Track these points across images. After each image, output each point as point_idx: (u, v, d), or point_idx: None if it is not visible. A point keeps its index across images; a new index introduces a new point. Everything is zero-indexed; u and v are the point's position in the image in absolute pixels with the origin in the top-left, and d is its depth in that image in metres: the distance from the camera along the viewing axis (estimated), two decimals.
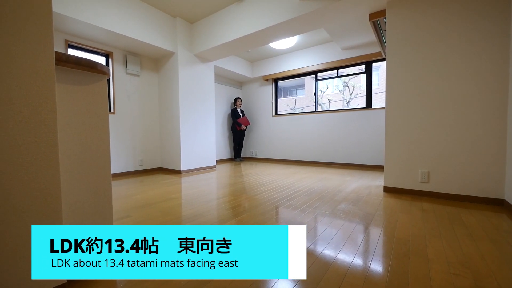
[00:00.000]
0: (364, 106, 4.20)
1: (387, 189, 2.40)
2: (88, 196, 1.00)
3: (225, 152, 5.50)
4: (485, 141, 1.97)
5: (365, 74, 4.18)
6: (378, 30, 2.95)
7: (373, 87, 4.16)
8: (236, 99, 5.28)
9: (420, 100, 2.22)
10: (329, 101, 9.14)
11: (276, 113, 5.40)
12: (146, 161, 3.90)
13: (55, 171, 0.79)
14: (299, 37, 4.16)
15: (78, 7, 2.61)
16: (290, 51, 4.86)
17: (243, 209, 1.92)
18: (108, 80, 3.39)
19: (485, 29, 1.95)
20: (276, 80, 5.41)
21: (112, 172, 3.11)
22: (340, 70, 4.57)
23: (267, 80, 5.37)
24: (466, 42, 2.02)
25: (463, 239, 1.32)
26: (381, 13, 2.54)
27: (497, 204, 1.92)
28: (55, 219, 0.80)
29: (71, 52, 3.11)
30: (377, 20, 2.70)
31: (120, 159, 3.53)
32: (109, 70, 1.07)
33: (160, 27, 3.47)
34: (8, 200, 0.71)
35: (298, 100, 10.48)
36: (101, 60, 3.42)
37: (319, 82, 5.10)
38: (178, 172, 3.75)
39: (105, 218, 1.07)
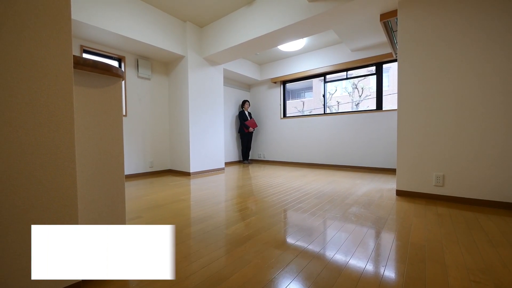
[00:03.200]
0: (375, 108, 4.13)
1: (399, 193, 2.34)
2: (102, 197, 1.02)
3: (234, 154, 5.52)
4: (503, 144, 1.89)
5: (375, 76, 4.11)
6: (389, 30, 2.90)
7: (384, 88, 4.09)
8: (244, 102, 5.31)
9: (434, 101, 2.17)
10: (338, 103, 9.05)
11: (284, 116, 5.39)
12: (156, 163, 3.96)
13: (72, 171, 0.81)
14: (308, 39, 4.15)
15: (92, 13, 2.70)
16: (299, 53, 4.85)
17: (252, 211, 1.91)
18: None
19: (503, 27, 1.88)
20: (284, 83, 5.40)
21: None
22: (349, 72, 4.52)
23: (275, 82, 5.37)
24: (482, 43, 1.96)
25: (482, 245, 1.27)
26: (393, 13, 2.50)
27: None
28: (71, 218, 0.82)
29: (86, 56, 3.21)
30: (388, 20, 2.66)
31: (130, 161, 3.60)
32: (123, 73, 1.09)
33: (171, 32, 3.54)
34: (28, 199, 0.73)
35: (306, 102, 10.43)
36: (114, 64, 3.51)
37: (328, 84, 5.06)
38: (187, 174, 3.79)
39: (119, 218, 1.09)
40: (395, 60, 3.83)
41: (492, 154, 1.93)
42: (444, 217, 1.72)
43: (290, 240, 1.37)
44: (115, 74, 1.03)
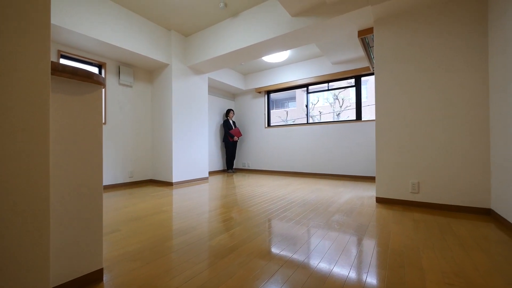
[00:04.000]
0: (354, 118, 4.31)
1: (379, 200, 2.43)
2: (77, 209, 0.96)
3: (218, 163, 5.46)
4: (471, 153, 2.05)
5: (354, 88, 4.32)
6: (366, 46, 3.09)
7: (362, 100, 4.29)
8: (228, 111, 5.32)
9: (409, 112, 2.31)
10: (320, 113, 9.35)
11: (268, 125, 5.46)
12: (137, 173, 3.81)
13: (45, 182, 0.77)
14: (291, 51, 4.30)
15: (72, 18, 2.62)
16: (283, 64, 4.99)
17: (236, 222, 1.89)
18: None
19: (466, 45, 2.08)
20: (268, 92, 5.50)
21: None
22: (330, 84, 4.71)
23: (259, 92, 5.45)
24: (450, 57, 2.14)
25: (455, 249, 1.34)
26: (369, 30, 2.67)
27: (485, 213, 1.98)
28: (42, 235, 0.76)
29: (63, 62, 3.08)
30: (365, 37, 2.83)
31: (109, 171, 3.44)
32: (104, 80, 1.06)
33: (155, 40, 3.51)
34: None
35: (290, 112, 10.66)
36: (94, 70, 3.40)
37: (310, 95, 5.23)
38: (169, 184, 3.68)
39: (95, 233, 1.03)
40: (372, 74, 4.06)
41: (459, 163, 2.08)
42: (420, 222, 1.80)
43: (275, 250, 1.36)
44: (95, 82, 1.00)
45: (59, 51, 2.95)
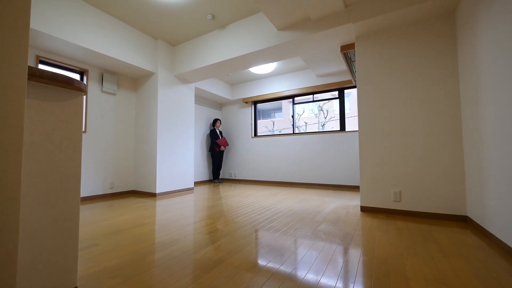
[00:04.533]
0: (339, 129, 4.44)
1: (363, 209, 2.48)
2: (51, 222, 0.90)
3: (204, 173, 5.36)
4: (447, 163, 2.16)
5: (338, 100, 4.47)
6: (349, 60, 3.23)
7: (346, 111, 4.45)
8: (215, 120, 5.29)
9: (390, 124, 2.41)
10: (306, 123, 9.54)
11: (255, 135, 5.48)
12: (118, 184, 3.65)
13: (15, 194, 0.71)
14: (278, 63, 4.41)
15: (54, 23, 2.55)
16: (269, 76, 5.10)
17: (222, 233, 1.84)
18: None
19: (440, 61, 2.23)
20: (255, 103, 5.56)
21: None
22: (315, 95, 4.85)
23: (246, 102, 5.50)
24: (425, 72, 2.29)
25: (437, 256, 1.38)
26: (351, 46, 2.81)
27: (462, 220, 2.07)
28: (7, 251, 0.70)
29: (42, 68, 2.95)
30: (347, 52, 2.97)
31: (87, 182, 3.27)
32: (86, 87, 1.03)
33: (141, 48, 3.48)
34: None
35: (276, 122, 10.79)
36: (75, 77, 3.28)
37: (296, 106, 5.34)
38: (152, 195, 3.54)
39: (69, 247, 0.96)
40: (354, 87, 4.23)
41: (437, 172, 2.18)
42: (403, 230, 1.85)
43: (261, 261, 1.34)
44: (76, 88, 0.96)
45: (38, 56, 2.84)
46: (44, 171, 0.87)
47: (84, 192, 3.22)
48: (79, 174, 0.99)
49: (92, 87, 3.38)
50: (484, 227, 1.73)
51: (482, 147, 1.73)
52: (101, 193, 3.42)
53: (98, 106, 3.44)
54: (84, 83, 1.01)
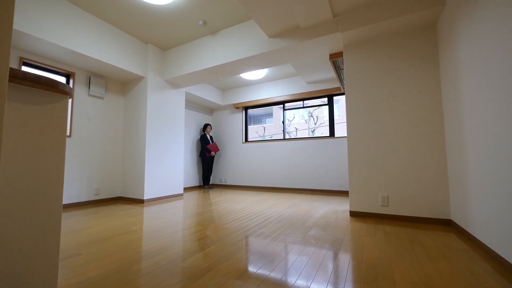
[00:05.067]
0: (328, 135, 4.51)
1: (352, 213, 2.51)
2: (30, 231, 0.85)
3: (194, 179, 5.29)
4: (431, 168, 2.23)
5: (327, 106, 4.56)
6: (337, 68, 3.32)
7: (335, 117, 4.53)
8: (206, 125, 5.26)
9: (377, 130, 2.48)
10: (296, 129, 9.65)
11: (246, 140, 5.48)
12: (104, 190, 3.53)
13: None
14: (268, 69, 4.46)
15: (39, 24, 2.48)
16: (260, 82, 5.14)
17: (212, 240, 1.81)
18: None
19: (424, 70, 2.33)
20: (246, 108, 5.58)
21: None
22: (305, 102, 4.93)
23: (237, 107, 5.51)
24: (411, 80, 2.37)
25: (423, 259, 1.41)
26: (339, 54, 2.89)
27: (446, 224, 2.13)
28: None
29: (26, 70, 2.86)
30: (336, 60, 3.05)
31: (71, 188, 3.15)
32: (71, 90, 1.00)
33: (131, 52, 3.43)
34: None
35: (267, 128, 10.85)
36: (61, 80, 3.19)
37: (287, 112, 5.40)
38: (140, 202, 3.45)
39: (49, 257, 0.91)
40: (343, 94, 4.34)
41: (422, 177, 2.25)
42: (390, 235, 1.88)
43: (251, 268, 1.32)
44: (61, 91, 0.93)
45: (21, 58, 2.75)
46: (24, 177, 0.84)
47: (67, 199, 3.10)
48: (61, 180, 0.96)
49: (79, 91, 3.29)
50: (467, 230, 1.79)
51: (463, 153, 1.80)
52: (86, 199, 3.30)
53: (84, 110, 3.35)
54: (69, 86, 0.99)
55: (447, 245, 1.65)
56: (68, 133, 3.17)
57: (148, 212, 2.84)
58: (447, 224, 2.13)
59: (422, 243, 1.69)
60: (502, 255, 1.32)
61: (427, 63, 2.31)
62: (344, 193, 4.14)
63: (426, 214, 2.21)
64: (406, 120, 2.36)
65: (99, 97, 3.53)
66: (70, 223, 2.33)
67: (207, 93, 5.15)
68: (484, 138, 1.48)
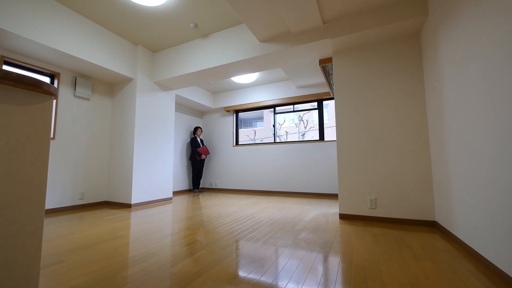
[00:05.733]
0: (318, 139, 4.58)
1: (342, 216, 2.54)
2: (10, 237, 0.81)
3: (183, 182, 5.20)
4: (417, 170, 2.30)
5: (317, 110, 4.64)
6: (327, 74, 3.38)
7: (324, 122, 4.61)
8: (196, 128, 5.21)
9: (365, 134, 2.54)
10: (287, 133, 9.72)
11: (236, 143, 5.46)
12: (89, 194, 3.41)
13: None
14: (259, 73, 4.49)
15: (23, 22, 2.39)
16: (251, 85, 5.16)
17: (201, 245, 1.78)
18: None
19: (409, 77, 2.41)
20: (237, 112, 5.58)
21: None
22: (295, 106, 4.99)
23: (228, 111, 5.50)
24: (397, 86, 2.45)
25: (410, 260, 1.44)
26: (329, 59, 2.95)
27: (431, 225, 2.20)
28: None
29: (7, 69, 2.74)
30: (325, 65, 3.11)
31: (55, 192, 3.02)
32: (56, 90, 0.97)
33: (119, 53, 3.37)
34: None
35: (257, 131, 10.87)
36: (45, 80, 3.08)
37: (277, 116, 5.44)
38: (127, 206, 3.36)
39: (29, 265, 0.87)
40: (332, 98, 4.42)
41: (408, 180, 2.32)
42: (379, 236, 1.92)
43: (242, 273, 1.31)
44: (45, 91, 0.90)
45: (2, 56, 2.64)
46: (4, 181, 0.80)
47: (50, 203, 2.97)
48: (44, 184, 0.92)
49: (64, 91, 3.19)
50: (451, 232, 1.85)
51: (445, 157, 1.87)
52: (70, 204, 3.17)
53: (69, 111, 3.24)
54: (54, 87, 0.96)
55: (432, 246, 1.70)
56: (52, 135, 3.06)
57: (135, 217, 2.76)
58: (432, 226, 2.19)
59: (408, 244, 1.74)
60: (484, 255, 1.38)
61: (412, 68, 2.40)
62: (333, 196, 4.19)
63: (412, 216, 2.27)
64: (393, 124, 2.43)
65: (85, 98, 3.43)
66: (52, 229, 2.23)
67: (198, 96, 5.12)
68: (464, 142, 1.55)
